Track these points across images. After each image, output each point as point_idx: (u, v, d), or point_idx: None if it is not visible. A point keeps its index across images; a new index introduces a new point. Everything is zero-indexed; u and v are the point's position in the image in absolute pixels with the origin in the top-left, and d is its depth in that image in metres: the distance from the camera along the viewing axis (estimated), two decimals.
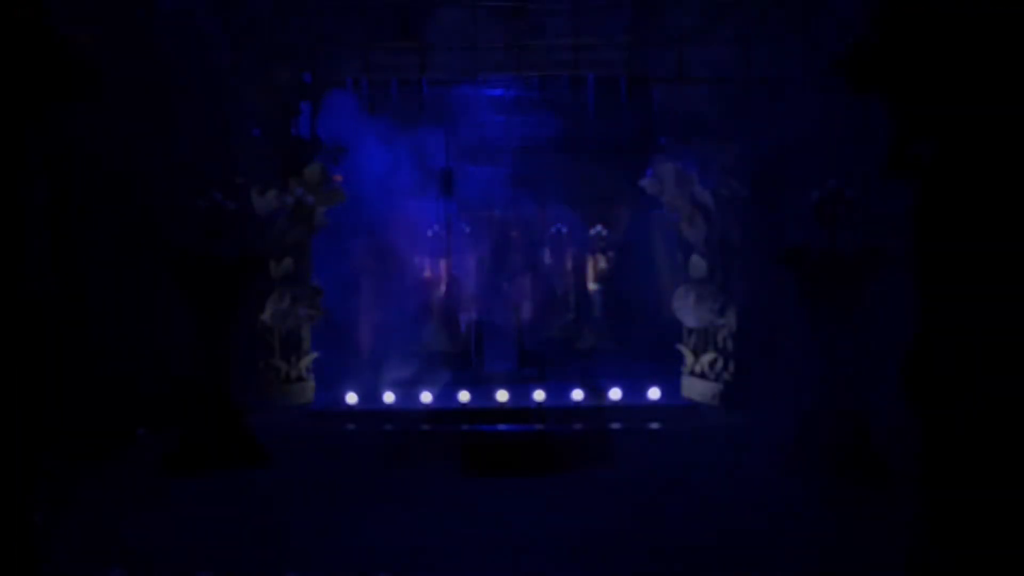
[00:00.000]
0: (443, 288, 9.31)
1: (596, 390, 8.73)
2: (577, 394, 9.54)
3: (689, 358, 11.82)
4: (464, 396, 8.69)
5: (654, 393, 10.89)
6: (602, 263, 14.95)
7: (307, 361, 12.20)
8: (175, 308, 8.28)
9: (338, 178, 12.29)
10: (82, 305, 7.81)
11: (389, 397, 11.16)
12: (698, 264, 11.57)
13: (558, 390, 10.11)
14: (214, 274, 7.97)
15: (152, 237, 9.32)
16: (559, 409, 9.42)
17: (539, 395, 9.62)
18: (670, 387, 11.37)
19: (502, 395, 8.82)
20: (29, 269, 3.79)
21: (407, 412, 10.59)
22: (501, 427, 8.67)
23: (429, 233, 13.72)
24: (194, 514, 6.72)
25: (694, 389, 11.54)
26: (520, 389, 9.01)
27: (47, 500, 4.18)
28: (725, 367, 11.43)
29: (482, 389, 8.91)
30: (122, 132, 8.47)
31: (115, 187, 8.56)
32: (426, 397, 10.97)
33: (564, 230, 14.79)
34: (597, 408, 8.55)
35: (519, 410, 8.83)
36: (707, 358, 11.56)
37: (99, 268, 8.15)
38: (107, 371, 8.44)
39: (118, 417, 8.72)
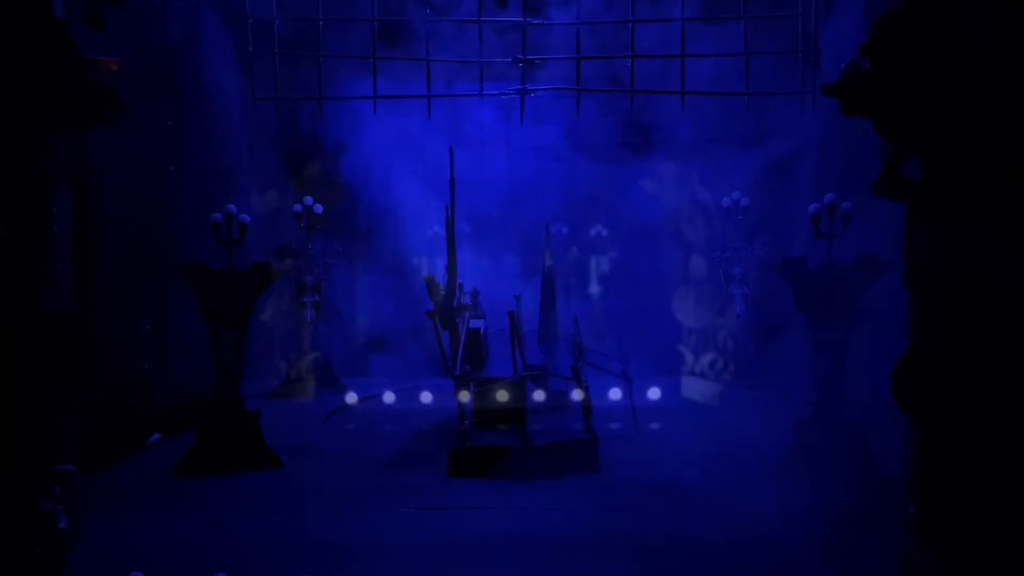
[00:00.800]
0: (443, 292, 9.30)
1: (586, 388, 8.69)
2: (577, 394, 9.56)
3: (689, 358, 11.89)
4: (464, 396, 8.72)
5: (654, 393, 10.92)
6: (603, 263, 14.97)
7: (307, 361, 12.27)
8: (188, 315, 8.33)
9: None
10: (98, 314, 7.85)
11: (389, 397, 11.22)
12: (698, 264, 11.64)
13: (558, 391, 10.11)
14: (229, 284, 8.06)
15: (165, 247, 9.40)
16: (559, 409, 9.42)
17: (539, 395, 9.63)
18: (670, 387, 11.41)
19: (502, 395, 8.84)
20: (50, 282, 3.89)
21: (407, 412, 10.65)
22: (500, 428, 8.69)
23: (429, 234, 13.73)
24: (209, 516, 6.79)
25: (694, 389, 11.59)
26: (520, 390, 9.00)
27: (67, 506, 4.26)
28: (725, 367, 11.49)
29: (484, 390, 8.92)
30: (135, 144, 8.52)
31: (130, 200, 8.62)
32: (426, 397, 11.02)
33: (564, 230, 14.79)
34: (590, 407, 8.51)
35: (518, 410, 8.82)
36: (707, 358, 11.63)
37: (114, 277, 8.21)
38: (122, 378, 8.49)
39: (133, 423, 8.78)
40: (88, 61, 3.70)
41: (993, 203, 3.53)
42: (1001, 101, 3.46)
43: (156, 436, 9.24)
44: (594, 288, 14.96)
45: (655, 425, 9.88)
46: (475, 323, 9.82)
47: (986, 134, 3.50)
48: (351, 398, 11.50)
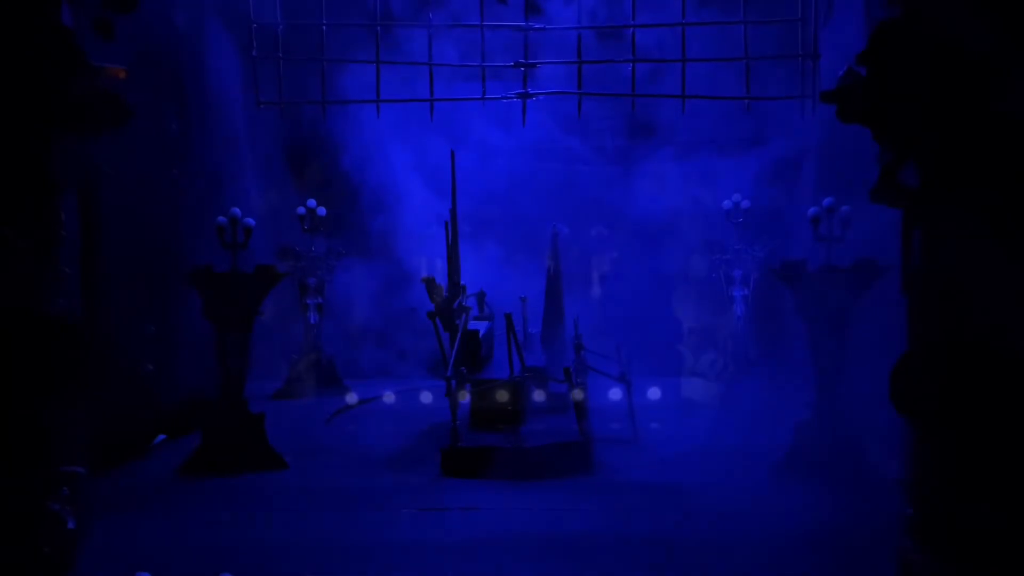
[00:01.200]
0: (444, 291, 9.33)
1: (582, 389, 8.71)
2: (577, 394, 9.60)
3: (689, 358, 11.94)
4: (461, 396, 8.75)
5: (654, 393, 10.95)
6: (603, 264, 15.01)
7: (309, 362, 12.32)
8: (193, 317, 8.37)
9: None
10: (103, 317, 7.91)
11: (389, 398, 11.28)
12: (698, 265, 11.69)
13: (559, 392, 10.14)
14: (235, 287, 8.11)
15: (169, 249, 9.44)
16: (559, 410, 9.45)
17: (539, 396, 9.67)
18: (670, 387, 11.43)
19: (500, 396, 8.88)
20: (57, 285, 3.94)
21: (409, 413, 10.70)
22: (498, 428, 8.72)
23: (429, 233, 13.75)
24: (214, 517, 6.82)
25: (694, 389, 11.63)
26: (517, 391, 9.03)
27: (74, 507, 4.30)
28: (725, 367, 11.53)
29: (480, 391, 8.95)
30: (140, 147, 8.56)
31: (134, 203, 8.67)
32: (426, 398, 11.07)
33: (565, 231, 14.79)
34: (585, 408, 8.53)
35: (514, 411, 8.85)
36: (707, 358, 11.67)
37: (119, 279, 8.25)
38: (127, 380, 8.54)
39: (138, 425, 8.82)
40: (95, 69, 3.75)
41: (990, 206, 3.57)
42: (999, 105, 3.49)
43: (161, 437, 9.29)
44: (594, 288, 14.99)
45: (654, 425, 9.90)
46: (474, 324, 9.84)
47: (984, 138, 3.54)
48: (352, 399, 11.56)
